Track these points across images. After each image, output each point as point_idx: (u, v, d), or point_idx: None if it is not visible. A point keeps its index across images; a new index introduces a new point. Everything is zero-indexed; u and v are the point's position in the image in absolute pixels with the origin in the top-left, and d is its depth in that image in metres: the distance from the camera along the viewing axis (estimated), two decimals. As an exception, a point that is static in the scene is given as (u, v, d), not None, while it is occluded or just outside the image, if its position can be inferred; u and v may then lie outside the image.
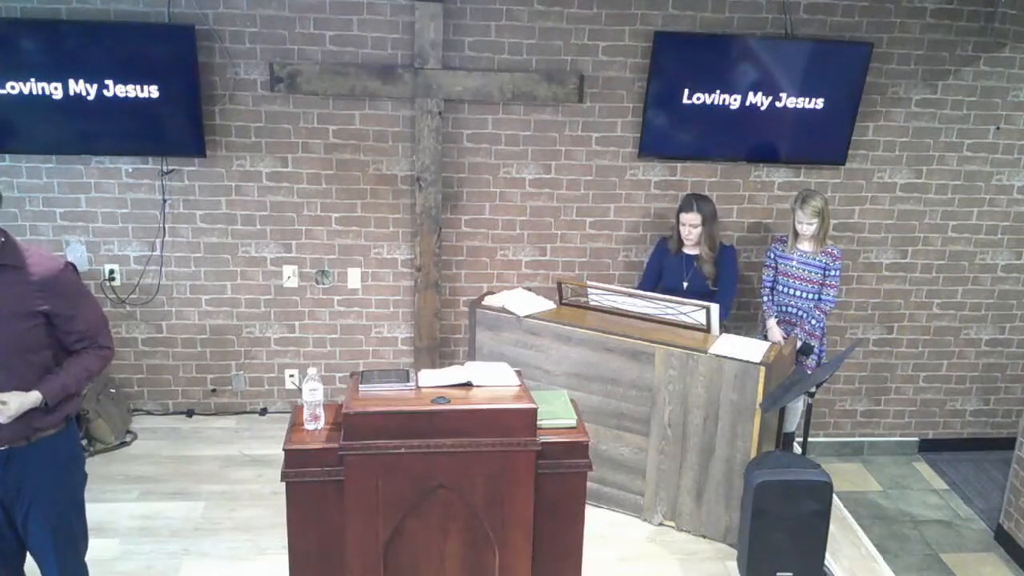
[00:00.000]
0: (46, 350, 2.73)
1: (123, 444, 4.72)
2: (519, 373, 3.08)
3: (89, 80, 4.37)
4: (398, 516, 2.84)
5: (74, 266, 2.80)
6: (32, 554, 2.89)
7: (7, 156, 4.59)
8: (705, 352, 3.91)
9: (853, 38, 4.76)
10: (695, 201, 4.45)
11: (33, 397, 2.66)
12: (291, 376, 5.12)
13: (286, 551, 2.88)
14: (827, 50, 4.72)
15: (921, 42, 4.84)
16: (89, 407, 4.58)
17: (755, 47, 4.68)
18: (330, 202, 4.85)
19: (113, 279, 4.83)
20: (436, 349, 5.03)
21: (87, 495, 4.20)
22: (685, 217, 4.46)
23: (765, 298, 4.70)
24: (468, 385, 2.93)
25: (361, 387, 2.89)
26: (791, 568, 3.72)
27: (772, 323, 4.63)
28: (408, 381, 2.91)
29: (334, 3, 4.53)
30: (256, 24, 4.54)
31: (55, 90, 4.36)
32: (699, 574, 3.90)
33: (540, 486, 2.87)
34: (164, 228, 4.79)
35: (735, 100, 4.74)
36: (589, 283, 4.49)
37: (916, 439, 5.60)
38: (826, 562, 3.84)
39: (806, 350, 4.47)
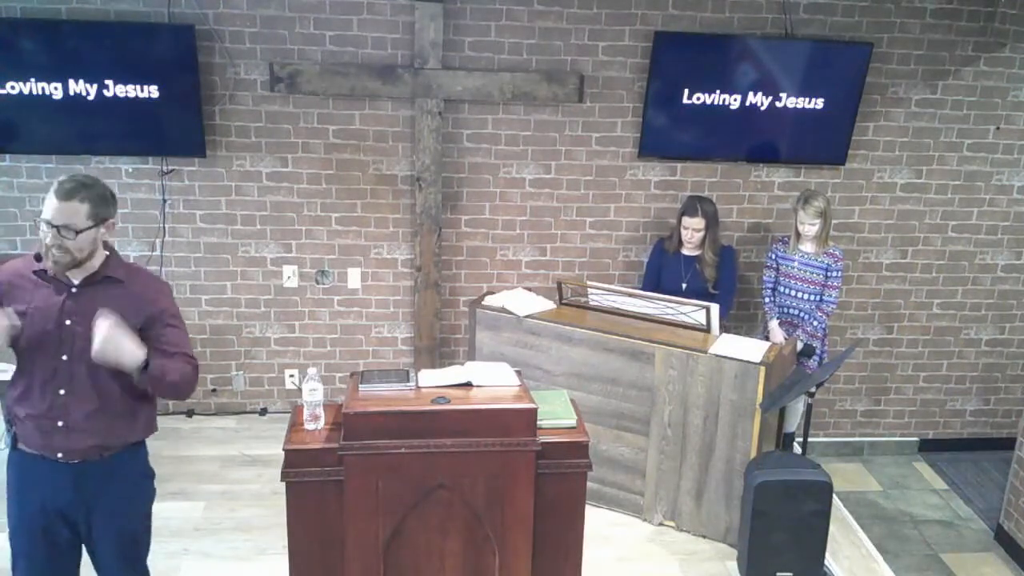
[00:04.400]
0: None
1: (123, 444, 4.72)
2: (519, 373, 3.08)
3: (89, 80, 4.36)
4: (398, 516, 2.83)
5: (169, 287, 2.86)
6: (96, 567, 2.89)
7: (7, 156, 4.59)
8: (705, 352, 3.91)
9: (853, 38, 4.76)
10: (699, 204, 4.43)
11: (140, 353, 2.55)
12: (291, 376, 5.11)
13: (286, 551, 2.88)
14: (827, 50, 4.72)
15: (921, 42, 4.84)
16: (89, 407, 4.58)
17: (755, 47, 4.68)
18: (330, 202, 4.85)
19: (113, 279, 4.83)
20: (436, 349, 5.03)
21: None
22: (688, 221, 4.44)
23: (767, 299, 4.69)
24: (468, 385, 2.92)
25: (361, 387, 2.89)
26: (791, 568, 3.72)
27: (774, 324, 4.63)
28: (408, 381, 2.91)
29: (334, 3, 4.53)
30: (256, 24, 4.54)
31: (55, 90, 4.36)
32: (699, 574, 3.90)
33: (540, 486, 2.87)
34: (164, 228, 4.79)
35: (735, 100, 4.74)
36: (589, 283, 4.49)
37: (916, 439, 5.60)
38: (826, 562, 3.84)
39: (808, 351, 4.47)
